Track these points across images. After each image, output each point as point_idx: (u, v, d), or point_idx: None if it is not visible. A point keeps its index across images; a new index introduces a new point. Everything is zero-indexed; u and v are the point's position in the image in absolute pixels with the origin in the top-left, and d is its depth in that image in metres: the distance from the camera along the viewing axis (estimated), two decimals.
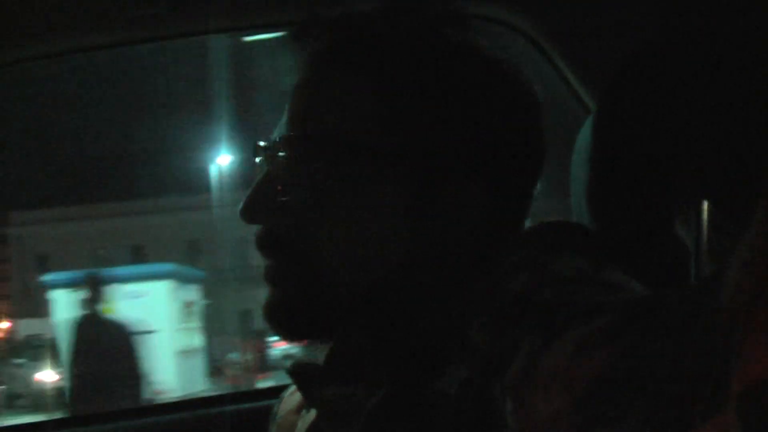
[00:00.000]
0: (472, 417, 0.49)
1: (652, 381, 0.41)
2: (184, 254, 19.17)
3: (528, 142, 0.58)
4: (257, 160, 0.60)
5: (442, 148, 0.55)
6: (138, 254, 20.60)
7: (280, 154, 0.58)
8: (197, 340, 11.30)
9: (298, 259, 0.57)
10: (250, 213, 0.58)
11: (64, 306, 8.06)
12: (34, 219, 21.60)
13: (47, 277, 11.18)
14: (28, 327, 15.63)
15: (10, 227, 22.07)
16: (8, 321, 17.23)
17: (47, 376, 11.62)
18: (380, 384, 0.54)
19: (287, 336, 0.59)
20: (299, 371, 0.60)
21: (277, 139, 0.58)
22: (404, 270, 0.56)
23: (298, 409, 0.66)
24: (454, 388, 0.50)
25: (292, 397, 0.69)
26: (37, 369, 12.51)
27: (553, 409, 0.42)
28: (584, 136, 0.64)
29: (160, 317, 9.54)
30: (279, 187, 0.57)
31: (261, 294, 0.63)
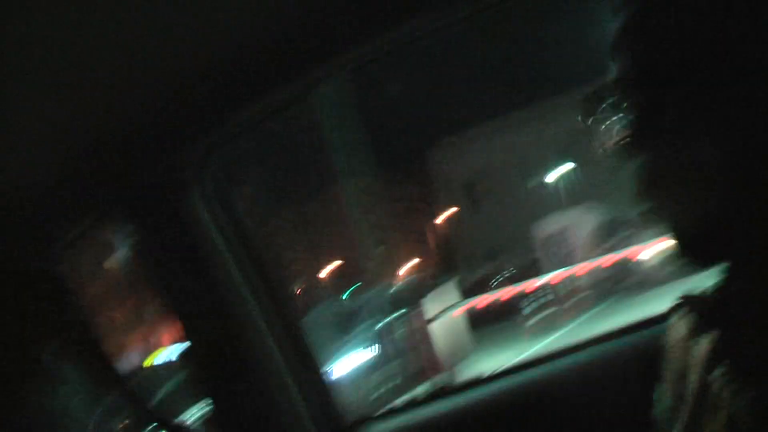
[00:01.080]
0: None
1: None
2: None
3: None
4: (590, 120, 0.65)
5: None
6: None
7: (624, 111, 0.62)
8: None
9: (686, 200, 0.60)
10: (646, 194, 0.62)
11: None
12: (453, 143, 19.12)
13: None
14: None
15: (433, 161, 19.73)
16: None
17: None
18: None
19: (702, 264, 0.62)
20: (691, 301, 0.66)
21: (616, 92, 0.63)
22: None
23: (688, 337, 0.68)
24: None
25: (678, 326, 0.71)
26: None
27: None
28: None
29: None
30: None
31: None
